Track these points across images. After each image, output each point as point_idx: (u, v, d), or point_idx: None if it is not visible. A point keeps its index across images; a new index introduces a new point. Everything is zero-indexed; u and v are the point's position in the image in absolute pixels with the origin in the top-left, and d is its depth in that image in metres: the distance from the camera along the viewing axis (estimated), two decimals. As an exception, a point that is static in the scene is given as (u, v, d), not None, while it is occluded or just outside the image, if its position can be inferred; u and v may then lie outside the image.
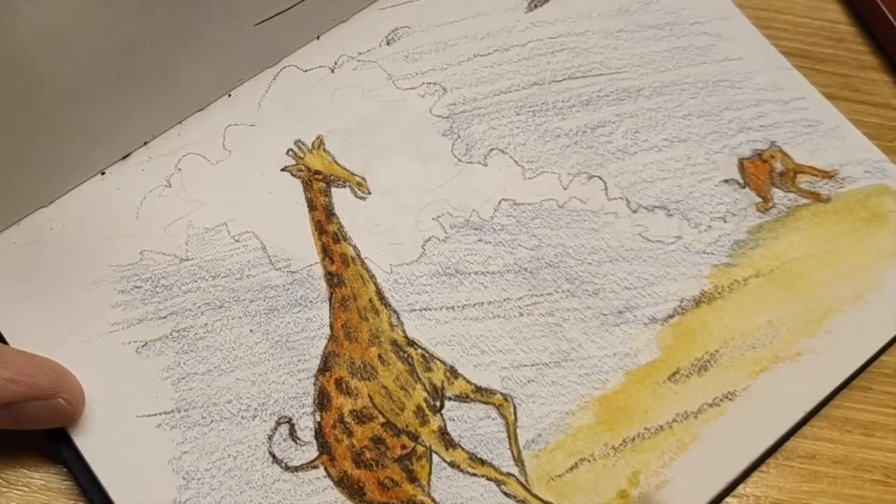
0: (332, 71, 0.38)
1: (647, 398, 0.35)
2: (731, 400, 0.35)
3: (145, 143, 0.35)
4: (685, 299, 0.37)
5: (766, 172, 0.40)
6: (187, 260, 0.34)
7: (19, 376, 0.29)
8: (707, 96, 0.41)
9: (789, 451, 0.36)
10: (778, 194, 0.40)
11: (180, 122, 0.36)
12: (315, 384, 0.33)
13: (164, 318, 0.34)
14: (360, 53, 0.39)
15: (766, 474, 0.35)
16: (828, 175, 0.40)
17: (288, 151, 0.37)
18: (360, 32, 0.39)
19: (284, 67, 0.38)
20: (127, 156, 0.35)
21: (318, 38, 0.38)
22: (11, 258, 0.33)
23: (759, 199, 0.39)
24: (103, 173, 0.35)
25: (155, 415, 0.32)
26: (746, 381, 0.35)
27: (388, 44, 0.39)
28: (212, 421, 0.32)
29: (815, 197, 0.40)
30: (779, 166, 0.40)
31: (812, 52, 0.44)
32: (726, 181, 0.39)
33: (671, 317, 0.36)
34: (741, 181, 0.40)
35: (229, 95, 0.37)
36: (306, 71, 0.38)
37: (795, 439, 0.36)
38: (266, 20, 0.35)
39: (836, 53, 0.43)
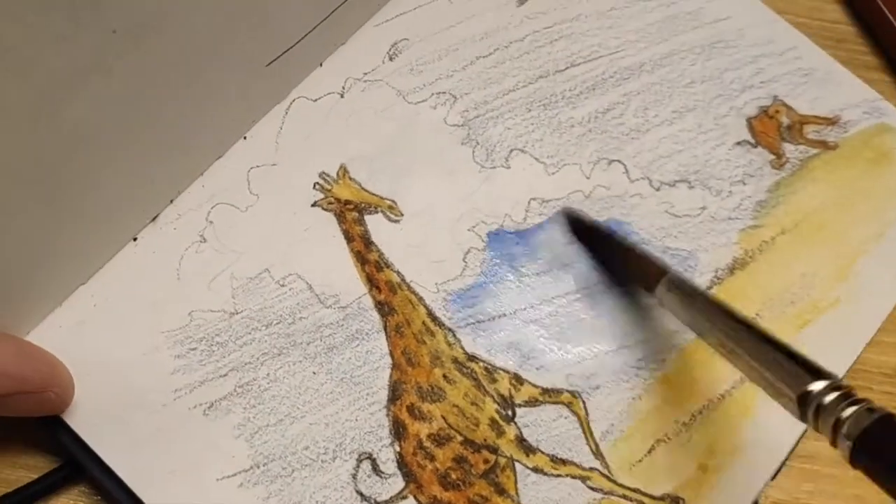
0: (342, 96, 0.38)
1: (702, 371, 0.36)
2: (781, 358, 0.36)
3: (171, 202, 0.35)
4: (720, 269, 0.37)
5: (774, 128, 0.41)
6: (237, 313, 0.34)
7: (10, 370, 0.28)
8: (706, 60, 0.41)
9: (789, 451, 0.36)
10: (788, 148, 0.40)
11: (202, 174, 0.35)
12: (388, 415, 0.33)
13: (225, 375, 0.33)
14: (366, 73, 0.38)
15: (767, 474, 0.35)
16: (831, 122, 0.41)
17: (315, 185, 0.36)
18: (362, 52, 0.38)
19: (294, 100, 0.37)
20: (155, 217, 0.34)
21: (321, 64, 0.37)
22: (61, 341, 0.32)
23: (772, 157, 0.40)
24: (135, 240, 0.34)
25: (235, 474, 0.32)
26: (792, 336, 0.37)
27: (390, 59, 0.39)
28: (293, 470, 0.32)
29: (824, 145, 0.41)
30: (785, 120, 0.41)
31: (812, 52, 0.44)
32: (738, 143, 0.40)
33: (709, 288, 0.37)
34: (752, 141, 0.40)
35: (245, 138, 0.36)
36: (316, 100, 0.37)
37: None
38: (277, 58, 0.34)
39: (837, 53, 0.43)
